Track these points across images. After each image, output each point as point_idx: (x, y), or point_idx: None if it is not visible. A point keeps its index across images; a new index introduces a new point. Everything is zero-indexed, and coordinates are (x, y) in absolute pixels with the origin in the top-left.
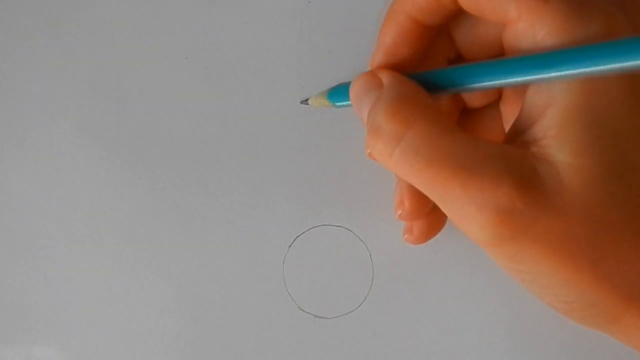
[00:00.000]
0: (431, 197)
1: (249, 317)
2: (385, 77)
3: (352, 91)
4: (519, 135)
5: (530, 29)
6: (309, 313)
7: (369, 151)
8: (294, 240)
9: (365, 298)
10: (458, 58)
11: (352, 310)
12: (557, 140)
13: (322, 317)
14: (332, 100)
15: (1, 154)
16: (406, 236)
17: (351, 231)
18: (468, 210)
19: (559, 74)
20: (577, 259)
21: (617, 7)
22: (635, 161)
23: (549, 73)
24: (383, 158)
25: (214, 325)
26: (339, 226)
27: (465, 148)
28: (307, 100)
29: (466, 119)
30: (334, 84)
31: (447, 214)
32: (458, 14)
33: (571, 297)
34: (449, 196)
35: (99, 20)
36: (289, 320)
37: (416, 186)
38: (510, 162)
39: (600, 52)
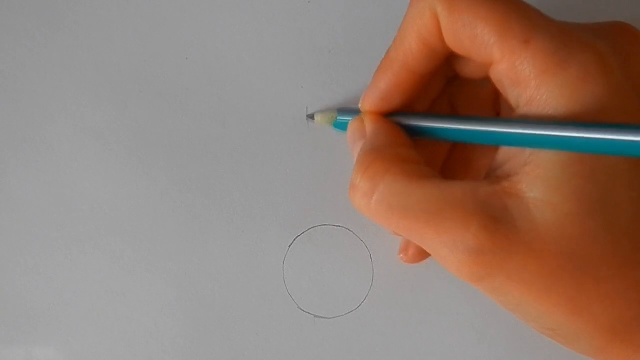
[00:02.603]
0: (413, 241)
1: (249, 317)
2: (367, 126)
3: (348, 136)
4: (496, 170)
5: (512, 69)
6: (309, 313)
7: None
8: (294, 240)
9: (365, 298)
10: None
11: (352, 310)
12: (530, 176)
13: (322, 317)
14: (337, 127)
15: (1, 154)
16: (401, 256)
17: (351, 231)
18: (443, 253)
19: (538, 148)
20: (553, 293)
21: (604, 36)
22: (615, 197)
23: (528, 146)
24: (362, 211)
25: (214, 325)
26: (339, 226)
27: (436, 194)
28: (312, 115)
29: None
30: (334, 83)
31: (432, 255)
32: (451, 58)
33: (552, 325)
34: (425, 241)
35: (99, 20)
36: (289, 320)
37: (396, 233)
38: (479, 202)
39: (577, 135)
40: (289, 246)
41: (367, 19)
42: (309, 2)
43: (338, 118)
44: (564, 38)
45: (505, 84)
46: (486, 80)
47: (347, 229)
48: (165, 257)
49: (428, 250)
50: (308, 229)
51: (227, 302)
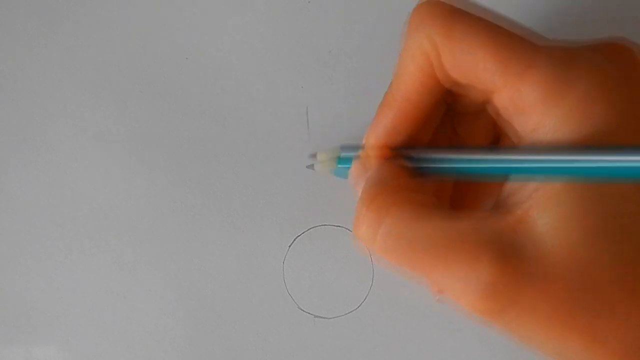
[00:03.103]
0: (420, 276)
1: (249, 317)
2: (373, 160)
3: (351, 177)
4: (504, 200)
5: (516, 96)
6: (309, 313)
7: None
8: (294, 240)
9: (365, 298)
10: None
11: (352, 310)
12: (539, 203)
13: (322, 317)
14: (337, 175)
15: (1, 154)
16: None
17: (351, 231)
18: (454, 288)
19: (544, 178)
20: (568, 324)
21: (606, 54)
22: (625, 220)
23: (540, 174)
24: (367, 244)
25: (214, 325)
26: (339, 226)
27: (444, 227)
28: (312, 166)
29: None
30: (334, 84)
31: (443, 291)
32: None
33: (570, 355)
34: (435, 277)
35: (99, 20)
36: (289, 320)
37: (403, 267)
38: (490, 234)
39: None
40: (289, 246)
41: (367, 20)
42: (309, 2)
43: (338, 164)
44: (567, 60)
45: (509, 111)
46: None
47: (347, 229)
48: (165, 257)
49: (436, 286)
50: (308, 229)
51: (227, 302)
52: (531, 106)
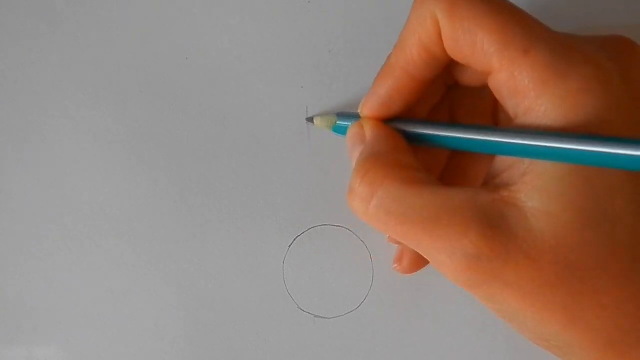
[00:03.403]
0: (409, 247)
1: (249, 317)
2: (367, 132)
3: (347, 141)
4: (494, 178)
5: (511, 79)
6: (309, 313)
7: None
8: (294, 240)
9: (365, 298)
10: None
11: (352, 310)
12: (528, 186)
13: (322, 317)
14: (336, 131)
15: (1, 154)
16: (395, 266)
17: (351, 231)
18: (440, 259)
19: (538, 159)
20: (550, 302)
21: (605, 49)
22: (614, 209)
23: (526, 156)
24: (360, 216)
25: (214, 325)
26: (339, 226)
27: (434, 201)
28: (312, 118)
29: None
30: (334, 83)
31: (429, 261)
32: (451, 65)
33: (547, 336)
34: (423, 247)
35: (99, 20)
36: (289, 320)
37: (394, 237)
38: (478, 210)
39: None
40: (289, 246)
41: (367, 19)
42: (309, 2)
43: (337, 122)
44: (564, 50)
45: (503, 93)
46: (485, 89)
47: (347, 229)
48: (165, 257)
49: (425, 256)
50: (308, 229)
51: (227, 302)
52: (525, 90)
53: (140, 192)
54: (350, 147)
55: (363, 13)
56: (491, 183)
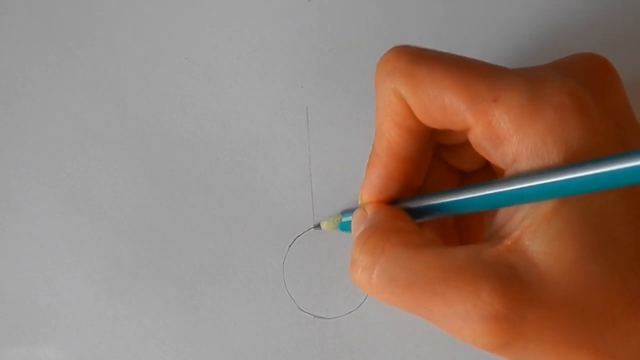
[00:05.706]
0: (420, 317)
1: (249, 317)
2: (368, 211)
3: (352, 226)
4: (497, 231)
5: (489, 129)
6: (309, 313)
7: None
8: (294, 240)
9: (366, 298)
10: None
11: (352, 310)
12: (530, 230)
13: (322, 317)
14: (343, 229)
15: (1, 154)
16: None
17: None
18: (456, 325)
19: (533, 202)
20: (576, 346)
21: (575, 73)
22: (614, 235)
23: (524, 202)
24: (363, 287)
25: (214, 326)
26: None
27: (438, 262)
28: (318, 224)
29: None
30: (334, 84)
31: (443, 329)
32: (432, 132)
33: None
34: (435, 315)
35: (99, 20)
36: (289, 320)
37: (402, 309)
38: (485, 265)
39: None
40: (289, 246)
41: (367, 19)
42: (309, 2)
43: (343, 219)
44: (532, 86)
45: (486, 147)
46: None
47: None
48: (165, 257)
49: (439, 326)
50: (308, 229)
51: (227, 302)
52: (507, 136)
53: (140, 192)
54: (354, 231)
55: (363, 13)
56: (495, 235)
